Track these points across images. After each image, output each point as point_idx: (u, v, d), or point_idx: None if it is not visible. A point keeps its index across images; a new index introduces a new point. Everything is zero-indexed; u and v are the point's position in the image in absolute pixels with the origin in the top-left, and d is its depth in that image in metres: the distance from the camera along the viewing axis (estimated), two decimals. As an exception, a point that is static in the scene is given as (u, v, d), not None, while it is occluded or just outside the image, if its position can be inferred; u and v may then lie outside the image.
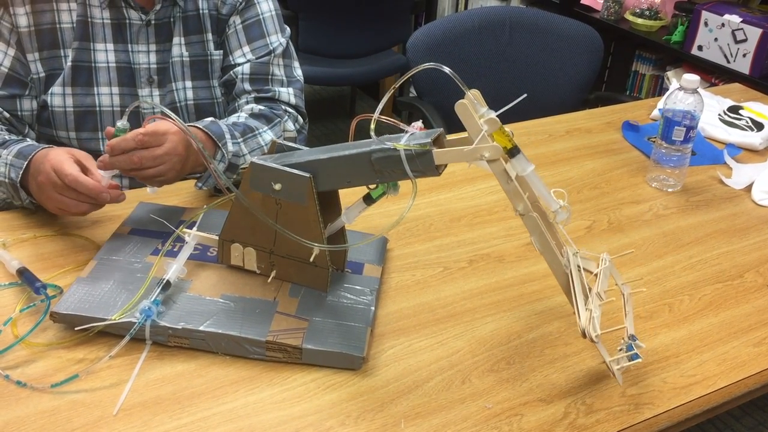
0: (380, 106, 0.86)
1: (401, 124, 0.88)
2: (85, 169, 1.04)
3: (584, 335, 0.85)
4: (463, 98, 0.85)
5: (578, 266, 0.91)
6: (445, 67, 0.87)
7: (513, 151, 0.88)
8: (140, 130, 1.02)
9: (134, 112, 1.30)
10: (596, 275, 0.94)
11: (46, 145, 1.13)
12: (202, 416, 0.84)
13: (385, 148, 0.88)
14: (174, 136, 1.05)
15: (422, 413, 0.87)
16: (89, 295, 0.95)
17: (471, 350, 0.97)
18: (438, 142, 0.89)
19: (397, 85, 0.90)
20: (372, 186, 0.95)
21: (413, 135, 0.88)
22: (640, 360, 0.89)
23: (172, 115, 0.96)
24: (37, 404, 0.84)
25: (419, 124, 0.89)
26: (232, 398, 0.87)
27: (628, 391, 0.93)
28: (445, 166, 0.88)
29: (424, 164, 0.87)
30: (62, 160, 1.02)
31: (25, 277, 1.00)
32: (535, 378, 0.94)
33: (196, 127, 1.16)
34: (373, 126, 0.87)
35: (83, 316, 0.92)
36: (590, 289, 0.90)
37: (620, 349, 0.91)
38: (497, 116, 0.85)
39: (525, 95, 0.90)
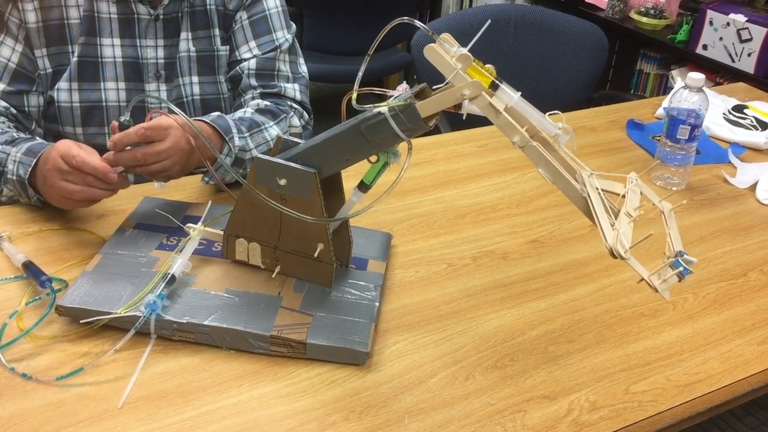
0: (359, 76, 0.85)
1: (388, 91, 0.88)
2: None
3: (613, 254, 0.79)
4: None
5: (596, 188, 0.85)
6: (416, 21, 0.86)
7: (494, 85, 0.86)
8: (143, 124, 1.02)
9: (141, 108, 1.30)
10: (623, 196, 0.87)
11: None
12: (207, 410, 0.85)
13: (370, 114, 0.87)
14: (176, 131, 1.05)
15: (426, 409, 0.87)
16: (94, 288, 0.96)
17: (475, 347, 0.98)
18: (423, 96, 0.88)
19: (371, 52, 0.87)
20: (373, 159, 0.94)
21: (399, 96, 0.87)
22: (691, 273, 0.81)
23: (177, 109, 0.96)
24: (43, 397, 0.84)
25: (404, 85, 0.87)
26: (236, 392, 0.87)
27: (631, 388, 0.93)
28: (437, 118, 0.87)
29: (410, 119, 0.86)
30: (70, 146, 1.02)
31: (30, 270, 1.00)
32: (539, 375, 0.94)
33: (203, 121, 1.16)
34: (354, 95, 0.86)
35: (88, 309, 0.92)
36: (618, 211, 0.84)
37: (664, 265, 0.83)
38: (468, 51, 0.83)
39: (489, 21, 0.87)
